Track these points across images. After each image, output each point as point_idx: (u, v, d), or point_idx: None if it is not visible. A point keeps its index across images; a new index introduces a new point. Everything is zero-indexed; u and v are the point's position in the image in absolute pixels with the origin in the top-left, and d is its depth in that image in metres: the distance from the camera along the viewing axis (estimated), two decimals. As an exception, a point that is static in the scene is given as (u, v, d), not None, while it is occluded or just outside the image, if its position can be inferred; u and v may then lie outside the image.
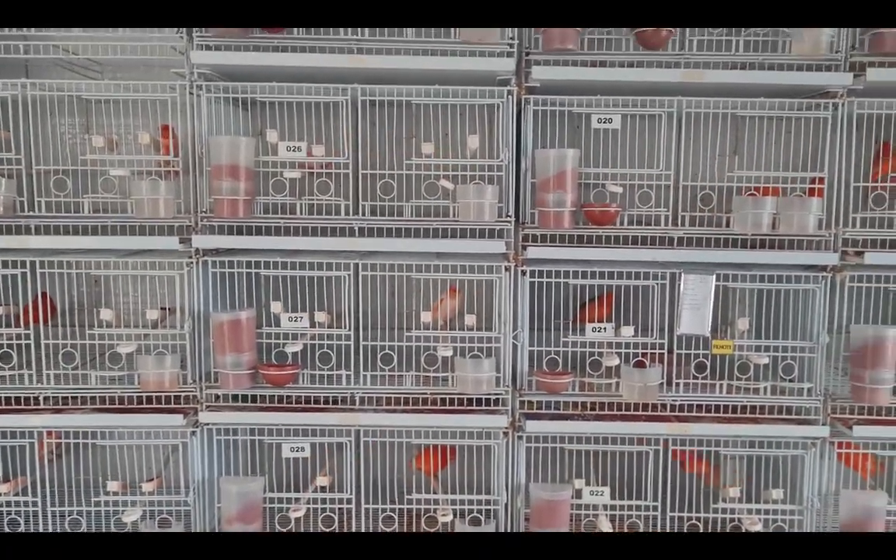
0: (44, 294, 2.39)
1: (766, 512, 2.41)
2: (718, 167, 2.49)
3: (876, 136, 2.38)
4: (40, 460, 2.40)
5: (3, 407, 2.31)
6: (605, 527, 2.40)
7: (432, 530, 2.40)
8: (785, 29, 2.24)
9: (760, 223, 2.27)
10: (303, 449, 2.38)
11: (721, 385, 2.38)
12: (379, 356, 2.38)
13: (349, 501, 2.40)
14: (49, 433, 2.36)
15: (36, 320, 2.33)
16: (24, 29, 2.22)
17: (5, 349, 2.31)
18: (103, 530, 2.40)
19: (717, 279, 2.32)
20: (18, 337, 2.32)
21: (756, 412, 2.38)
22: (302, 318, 2.34)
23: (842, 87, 2.23)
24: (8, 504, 2.37)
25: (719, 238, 2.33)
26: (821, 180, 2.31)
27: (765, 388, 2.37)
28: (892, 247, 2.28)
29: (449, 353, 2.33)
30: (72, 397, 2.34)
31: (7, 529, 2.39)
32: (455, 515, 2.39)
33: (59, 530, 2.37)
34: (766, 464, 2.45)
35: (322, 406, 2.36)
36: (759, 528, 2.37)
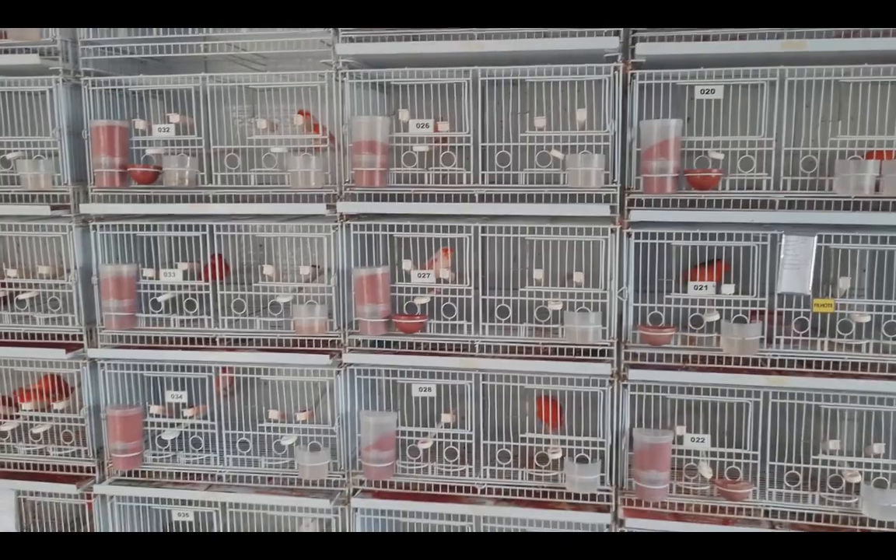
0: (219, 255, 2.86)
1: (868, 465, 2.50)
2: (821, 132, 2.56)
3: None
4: (217, 393, 2.89)
5: (188, 346, 2.81)
6: (706, 472, 2.58)
7: (543, 467, 2.67)
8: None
9: (863, 186, 2.35)
10: (430, 389, 2.72)
11: (822, 342, 2.48)
12: (496, 309, 2.66)
13: (470, 437, 2.72)
14: (224, 369, 2.84)
15: (214, 277, 2.80)
16: (205, 29, 2.66)
17: (190, 298, 2.81)
18: (266, 453, 2.85)
19: (819, 240, 2.42)
20: (200, 288, 2.80)
21: (858, 369, 2.47)
22: (429, 274, 2.67)
23: (947, 49, 2.27)
24: (191, 426, 2.88)
25: (821, 201, 2.43)
26: (926, 143, 2.36)
27: (867, 346, 2.45)
28: None
29: (559, 307, 2.59)
30: (241, 339, 2.80)
31: (191, 447, 2.89)
32: (564, 454, 2.65)
33: (230, 451, 2.84)
34: (868, 418, 2.53)
35: (446, 352, 2.68)
36: (858, 479, 2.46)
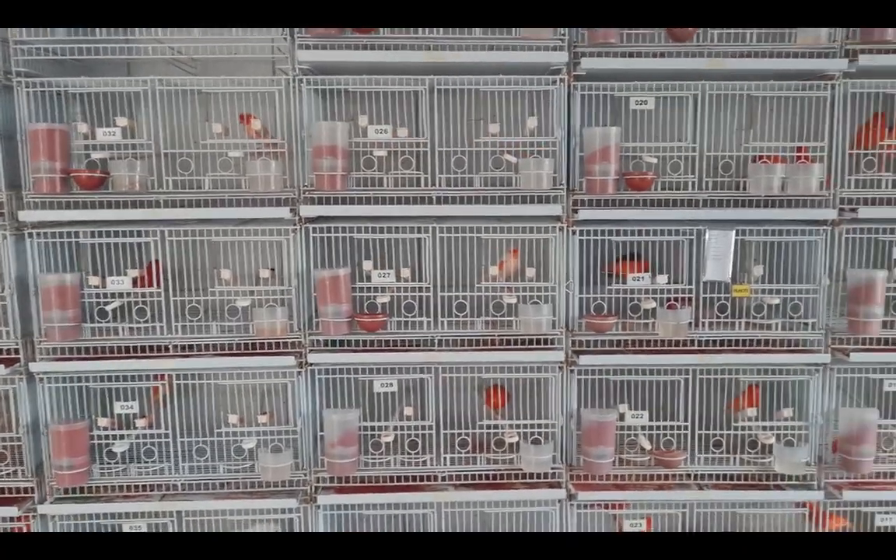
0: (156, 261, 2.80)
1: (779, 428, 2.89)
2: (737, 140, 2.92)
3: (866, 112, 2.82)
4: (154, 402, 2.83)
5: (140, 354, 2.74)
6: (646, 444, 2.87)
7: (500, 452, 2.85)
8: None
9: (772, 186, 2.72)
10: (391, 385, 2.82)
11: (740, 323, 2.84)
12: (454, 305, 2.82)
13: (430, 428, 2.85)
14: (160, 377, 2.78)
15: (150, 284, 2.75)
16: (129, 30, 2.61)
17: (140, 306, 2.74)
18: (225, 458, 2.84)
19: (737, 234, 2.77)
20: (152, 295, 2.74)
21: (769, 345, 2.84)
22: (389, 274, 2.77)
23: (838, 70, 2.67)
24: (144, 436, 2.81)
25: (738, 199, 2.78)
26: (821, 149, 2.76)
27: (776, 325, 2.83)
28: (881, 203, 2.74)
29: (513, 301, 2.78)
30: (197, 346, 2.77)
31: (144, 459, 2.82)
32: (519, 437, 2.85)
33: (187, 459, 2.80)
34: (778, 388, 2.92)
35: (407, 348, 2.80)
36: (772, 441, 2.84)
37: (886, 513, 2.87)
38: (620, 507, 2.91)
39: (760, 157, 2.79)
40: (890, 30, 2.62)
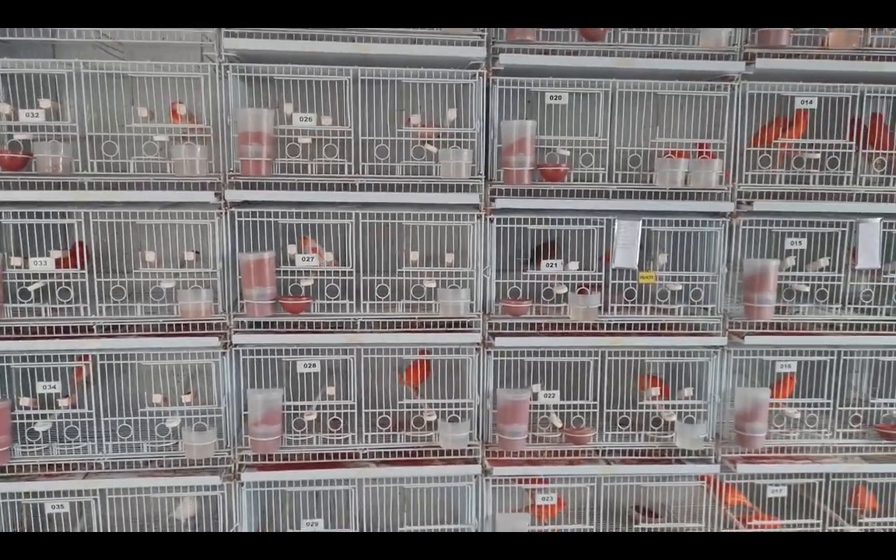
0: (80, 243, 2.83)
1: (680, 407, 3.09)
2: (644, 135, 3.10)
3: (763, 111, 3.03)
4: (77, 384, 2.87)
5: (63, 335, 2.77)
6: (557, 422, 3.03)
7: (419, 430, 2.97)
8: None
9: (676, 179, 2.90)
10: (315, 365, 2.92)
11: (646, 308, 3.02)
12: (376, 289, 2.92)
13: (352, 407, 2.96)
14: (83, 357, 2.82)
15: (75, 265, 2.78)
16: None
17: (64, 287, 2.77)
18: (149, 437, 2.89)
19: (643, 224, 2.94)
20: (76, 276, 2.77)
21: (672, 329, 3.03)
22: (313, 258, 2.86)
23: (737, 72, 2.86)
24: (67, 416, 2.84)
25: (645, 191, 2.95)
26: (721, 146, 2.95)
27: (679, 310, 3.03)
28: (775, 197, 2.95)
29: (432, 285, 2.90)
30: (121, 326, 2.81)
31: (67, 438, 2.85)
32: (437, 416, 2.98)
33: (110, 439, 2.85)
34: (680, 369, 3.12)
35: (330, 330, 2.89)
36: (674, 418, 3.04)
37: (776, 485, 3.10)
38: (533, 481, 3.07)
39: (666, 153, 2.97)
40: (784, 32, 2.82)
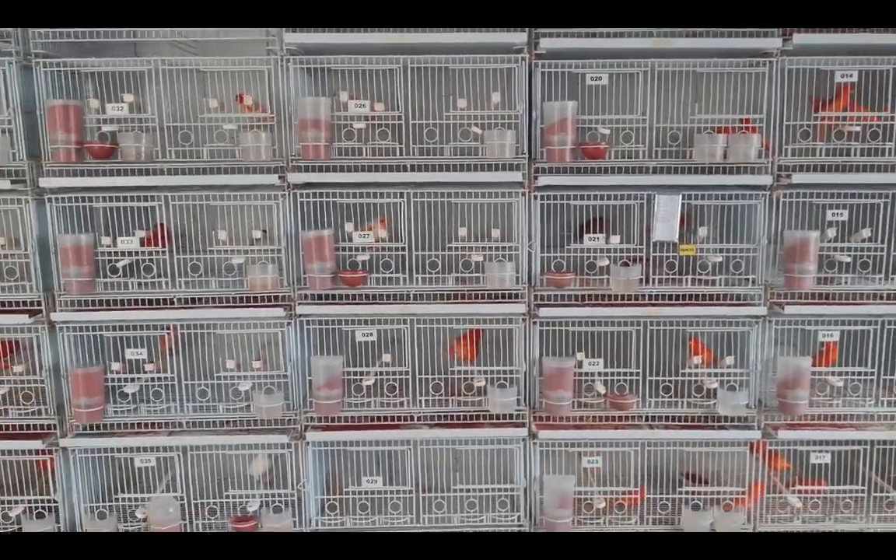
0: (161, 224, 3.13)
1: (722, 375, 3.18)
2: (683, 112, 3.19)
3: (802, 86, 3.09)
4: (163, 352, 3.19)
5: (147, 306, 3.08)
6: (601, 389, 3.18)
7: (469, 396, 3.17)
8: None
9: (715, 154, 2.99)
10: (371, 334, 3.15)
11: (686, 279, 3.13)
12: (427, 263, 3.13)
13: (406, 373, 3.18)
14: (168, 327, 3.12)
15: (158, 244, 3.09)
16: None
17: (147, 263, 3.08)
18: (224, 399, 3.18)
19: (683, 198, 3.05)
20: (157, 254, 3.08)
21: (713, 299, 3.13)
22: (368, 234, 3.09)
23: (775, 48, 2.93)
24: (152, 379, 3.16)
25: (684, 167, 3.06)
26: (760, 120, 3.02)
27: (719, 280, 3.12)
28: (814, 170, 3.01)
29: (480, 259, 3.09)
30: (198, 299, 3.11)
31: (152, 399, 3.17)
32: (486, 382, 3.17)
33: (190, 400, 3.15)
34: (722, 338, 3.22)
35: (385, 302, 3.12)
36: (716, 386, 3.14)
37: (819, 451, 3.17)
38: (578, 445, 3.23)
39: (705, 129, 3.06)
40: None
